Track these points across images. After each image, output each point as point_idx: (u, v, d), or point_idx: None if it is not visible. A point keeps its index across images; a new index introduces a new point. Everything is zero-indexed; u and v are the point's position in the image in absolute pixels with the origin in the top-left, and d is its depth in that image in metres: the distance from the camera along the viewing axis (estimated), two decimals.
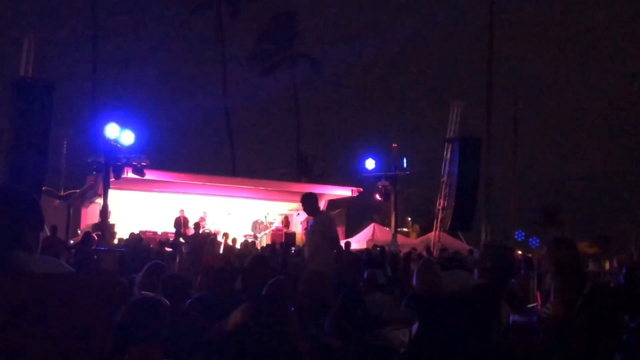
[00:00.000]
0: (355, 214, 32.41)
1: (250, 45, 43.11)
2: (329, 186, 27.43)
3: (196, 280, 10.12)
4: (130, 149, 17.56)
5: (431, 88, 58.10)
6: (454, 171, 22.89)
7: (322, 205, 25.86)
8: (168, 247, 17.75)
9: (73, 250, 15.19)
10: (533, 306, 6.60)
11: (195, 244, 16.51)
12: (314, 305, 7.20)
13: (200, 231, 18.83)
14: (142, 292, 4.71)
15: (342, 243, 20.82)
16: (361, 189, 25.60)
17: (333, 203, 26.98)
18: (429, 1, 59.09)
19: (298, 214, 26.86)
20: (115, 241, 18.61)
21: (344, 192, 25.82)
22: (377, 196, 24.88)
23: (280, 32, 41.83)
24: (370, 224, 29.40)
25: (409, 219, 41.36)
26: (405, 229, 36.98)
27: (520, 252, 25.81)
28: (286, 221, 25.81)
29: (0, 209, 2.36)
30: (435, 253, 21.19)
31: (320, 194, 25.73)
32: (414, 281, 4.55)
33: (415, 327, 4.38)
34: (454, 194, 22.85)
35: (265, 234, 24.30)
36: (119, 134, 17.04)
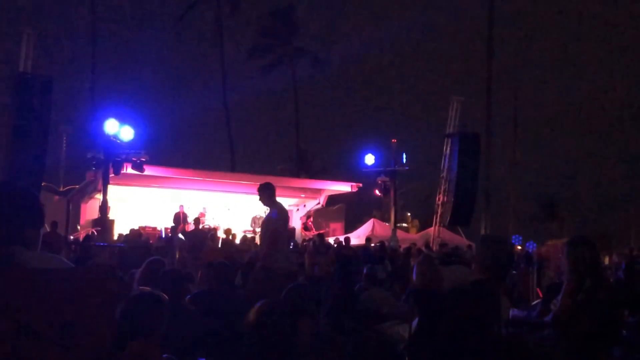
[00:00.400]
0: (354, 210, 32.46)
1: (249, 40, 43.08)
2: (329, 182, 27.40)
3: (197, 276, 10.12)
4: (130, 144, 17.55)
5: (431, 83, 58.07)
6: (453, 166, 22.90)
7: (322, 200, 25.88)
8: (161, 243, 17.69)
9: (73, 246, 15.20)
10: (537, 303, 6.60)
11: (195, 240, 16.49)
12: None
13: (200, 227, 18.82)
14: (141, 287, 4.72)
15: (342, 238, 20.95)
16: (361, 185, 25.58)
17: (333, 198, 26.96)
18: None
19: (298, 209, 26.86)
20: (115, 237, 18.60)
21: (344, 187, 25.81)
22: (377, 192, 24.89)
23: (280, 28, 41.75)
24: (369, 219, 29.39)
25: (409, 214, 41.39)
26: (404, 224, 36.99)
27: (519, 247, 25.80)
28: None
29: (0, 206, 2.36)
30: (434, 248, 21.19)
31: (320, 190, 25.78)
32: (414, 276, 4.56)
33: (415, 322, 4.39)
34: (453, 189, 22.86)
35: None
36: (119, 129, 17.02)
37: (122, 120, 17.20)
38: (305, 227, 24.13)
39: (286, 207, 27.10)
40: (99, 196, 18.76)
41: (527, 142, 48.53)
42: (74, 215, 21.97)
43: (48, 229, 14.24)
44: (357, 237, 24.59)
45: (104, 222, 17.91)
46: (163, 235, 19.42)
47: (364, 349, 5.19)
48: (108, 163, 17.28)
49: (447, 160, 23.58)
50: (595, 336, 4.35)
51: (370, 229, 27.13)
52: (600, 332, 4.37)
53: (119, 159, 17.44)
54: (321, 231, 23.56)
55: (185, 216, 22.11)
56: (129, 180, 20.10)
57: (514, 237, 20.88)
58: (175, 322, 4.47)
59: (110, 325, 2.11)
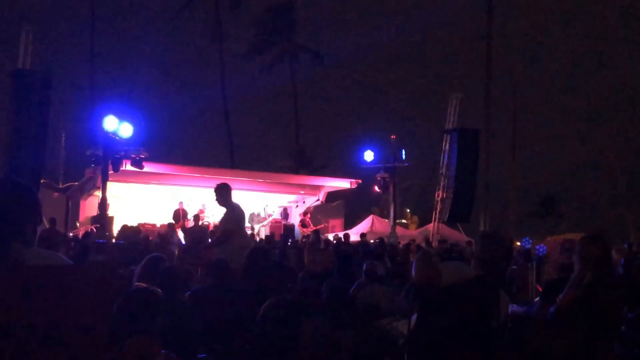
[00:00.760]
0: (354, 206, 32.48)
1: (248, 36, 43.02)
2: (328, 178, 27.43)
3: (197, 272, 10.12)
4: (129, 141, 17.54)
5: (430, 79, 58.07)
6: (453, 163, 22.90)
7: (321, 197, 25.89)
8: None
9: (72, 243, 15.19)
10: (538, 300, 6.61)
11: (195, 236, 16.51)
12: None
13: (200, 223, 18.84)
14: (136, 283, 4.73)
15: (341, 235, 20.96)
16: (360, 181, 25.60)
17: (332, 195, 26.99)
18: None
19: (297, 206, 26.87)
20: (114, 233, 18.59)
21: (343, 184, 25.82)
22: (376, 188, 24.89)
23: (279, 24, 41.69)
24: (369, 215, 29.42)
25: (408, 210, 41.41)
26: (404, 221, 37.01)
27: (518, 243, 25.84)
28: (285, 213, 25.81)
29: (1, 202, 2.35)
30: (434, 244, 21.20)
31: (319, 186, 25.79)
32: (413, 272, 4.55)
33: (414, 318, 4.39)
34: (452, 186, 22.86)
35: (263, 225, 24.30)
36: (118, 126, 17.00)
37: (121, 117, 17.18)
38: (303, 224, 24.14)
39: (285, 203, 27.06)
40: (98, 193, 18.74)
41: (526, 138, 48.54)
42: (73, 212, 21.97)
43: (47, 226, 14.24)
44: (356, 234, 24.61)
45: (103, 219, 17.90)
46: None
47: (363, 345, 5.20)
48: (107, 160, 17.27)
49: (446, 156, 23.58)
50: (594, 332, 4.36)
51: (369, 225, 27.16)
52: (600, 327, 4.37)
53: (118, 156, 17.43)
54: (317, 227, 23.57)
55: (184, 213, 22.12)
56: (128, 177, 20.10)
57: (523, 240, 20.88)
58: (174, 318, 4.48)
59: (107, 322, 2.11)
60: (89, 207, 22.10)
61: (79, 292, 2.05)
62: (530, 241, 19.92)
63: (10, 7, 41.37)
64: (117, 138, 17.06)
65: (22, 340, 1.93)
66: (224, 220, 8.63)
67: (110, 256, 12.52)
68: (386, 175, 23.99)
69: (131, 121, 17.37)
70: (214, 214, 23.20)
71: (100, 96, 32.38)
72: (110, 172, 17.61)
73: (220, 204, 8.89)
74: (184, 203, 22.28)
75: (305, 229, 23.34)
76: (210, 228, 18.79)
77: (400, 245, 19.09)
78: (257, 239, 20.04)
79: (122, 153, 17.58)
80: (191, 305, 5.43)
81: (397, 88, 62.43)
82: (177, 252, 15.45)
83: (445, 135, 23.90)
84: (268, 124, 54.15)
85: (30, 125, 15.60)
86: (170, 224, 20.09)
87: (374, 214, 30.10)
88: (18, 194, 2.41)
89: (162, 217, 22.36)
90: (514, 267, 14.13)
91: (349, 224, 28.45)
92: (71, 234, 18.20)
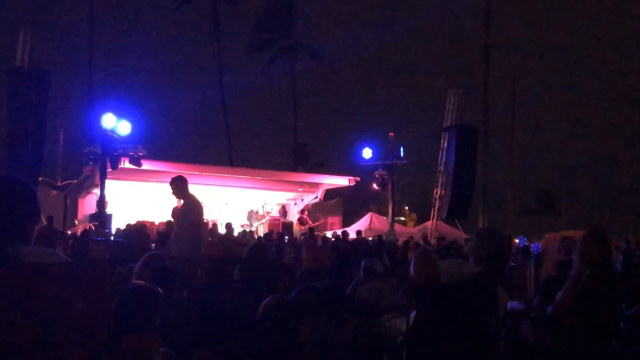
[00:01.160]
0: (352, 204, 32.48)
1: (247, 33, 42.96)
2: (326, 175, 27.43)
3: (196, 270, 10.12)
4: (127, 139, 17.53)
5: (428, 77, 58.06)
6: (451, 160, 22.92)
7: (320, 194, 25.88)
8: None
9: (70, 241, 15.18)
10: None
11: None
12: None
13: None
14: (135, 280, 4.73)
15: (340, 232, 20.97)
16: (358, 178, 25.61)
17: (330, 192, 26.99)
18: None
19: (295, 203, 26.87)
20: (113, 231, 18.59)
21: (341, 181, 25.82)
22: (375, 185, 24.90)
23: (278, 22, 41.61)
24: (367, 213, 29.43)
25: (406, 207, 41.43)
26: (402, 218, 37.04)
27: (516, 240, 25.86)
28: (283, 210, 25.81)
29: (1, 200, 2.35)
30: (432, 242, 21.22)
31: (318, 184, 25.78)
32: (411, 270, 4.56)
33: (412, 315, 4.39)
34: (450, 183, 22.89)
35: (261, 223, 24.30)
36: (116, 124, 16.99)
37: (120, 114, 17.17)
38: (301, 222, 24.15)
39: (284, 201, 27.04)
40: (97, 191, 18.73)
41: (524, 136, 48.56)
42: (71, 210, 21.95)
43: (45, 223, 14.23)
44: (354, 231, 24.63)
45: (101, 217, 17.89)
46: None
47: (362, 343, 5.20)
48: (105, 158, 17.26)
49: (444, 153, 23.59)
50: (593, 329, 4.36)
51: (368, 222, 27.16)
52: (599, 325, 4.38)
53: (116, 154, 17.41)
54: (315, 224, 23.60)
55: None
56: (126, 174, 20.08)
57: (519, 238, 20.91)
58: (173, 316, 4.48)
59: (106, 320, 2.11)
60: (87, 204, 22.09)
61: (77, 290, 2.05)
62: (525, 239, 19.96)
63: (8, 6, 41.31)
64: (115, 136, 17.05)
65: (22, 337, 1.93)
66: (183, 212, 8.41)
67: (109, 254, 12.54)
68: (384, 172, 24.00)
69: (129, 119, 17.36)
70: (212, 212, 23.21)
71: (98, 94, 32.32)
72: (109, 169, 17.60)
73: (177, 197, 8.74)
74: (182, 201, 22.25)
75: (303, 227, 23.34)
76: (210, 227, 18.80)
77: (399, 243, 19.11)
78: (256, 237, 20.03)
79: (121, 151, 17.57)
80: (189, 303, 5.43)
81: (396, 86, 62.44)
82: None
83: (443, 132, 23.90)
84: (266, 121, 54.17)
85: (28, 123, 15.60)
86: (169, 222, 20.04)
87: (372, 211, 30.10)
88: (16, 192, 2.41)
89: (160, 215, 22.35)
90: (513, 264, 14.16)
91: (348, 221, 28.46)
92: (69, 232, 18.18)
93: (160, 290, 3.64)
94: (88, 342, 2.02)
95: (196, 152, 41.33)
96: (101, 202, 17.88)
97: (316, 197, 26.22)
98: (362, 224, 27.28)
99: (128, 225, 17.66)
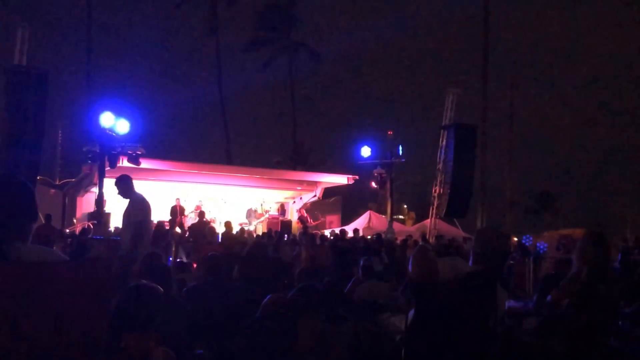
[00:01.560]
0: (351, 202, 32.45)
1: (246, 33, 42.95)
2: (325, 174, 27.40)
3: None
4: (126, 137, 17.49)
5: (427, 75, 58.06)
6: (450, 158, 22.90)
7: (318, 193, 25.88)
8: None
9: (69, 240, 15.18)
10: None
11: (197, 232, 16.59)
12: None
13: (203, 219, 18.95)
14: (137, 279, 4.72)
15: (338, 231, 20.96)
16: (357, 177, 25.59)
17: (329, 191, 26.98)
18: None
19: (294, 201, 26.86)
20: (111, 230, 18.58)
21: (340, 179, 25.81)
22: (373, 184, 24.88)
23: (277, 20, 41.60)
24: (366, 211, 29.43)
25: (405, 206, 41.43)
26: (401, 216, 37.04)
27: (515, 239, 25.88)
28: (282, 209, 25.82)
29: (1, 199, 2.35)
30: (431, 240, 21.22)
31: (316, 182, 25.78)
32: (410, 268, 4.55)
33: (411, 313, 4.39)
34: (449, 181, 22.87)
35: (260, 221, 24.30)
36: (114, 122, 16.96)
37: (118, 113, 17.14)
38: (301, 220, 24.15)
39: (282, 199, 27.00)
40: (95, 189, 18.70)
41: (523, 134, 48.56)
42: (70, 209, 21.95)
43: (43, 221, 14.22)
44: (353, 229, 24.65)
45: (100, 216, 17.88)
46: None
47: (361, 341, 5.20)
48: (104, 156, 17.22)
49: (443, 152, 23.58)
50: (592, 327, 4.36)
51: (366, 221, 27.16)
52: (597, 322, 4.38)
53: (114, 152, 17.38)
54: (315, 222, 23.60)
55: (182, 209, 22.12)
56: (125, 173, 20.07)
57: (524, 237, 20.92)
58: (172, 315, 4.48)
59: (105, 318, 2.11)
60: (86, 203, 22.09)
61: (75, 288, 2.05)
62: (531, 238, 19.97)
63: (6, 4, 41.25)
64: (113, 134, 17.02)
65: (20, 336, 1.92)
66: (128, 212, 8.26)
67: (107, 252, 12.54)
68: (383, 171, 23.98)
69: (128, 117, 17.33)
70: (211, 211, 23.23)
71: (96, 92, 32.29)
72: (107, 168, 17.58)
73: (123, 197, 8.60)
74: (180, 199, 22.26)
75: (303, 225, 23.36)
76: (209, 225, 18.85)
77: (398, 241, 19.11)
78: (255, 235, 20.05)
79: (119, 149, 17.53)
80: (187, 301, 5.43)
81: (395, 84, 62.42)
82: (174, 248, 15.49)
83: (442, 130, 23.90)
84: (265, 120, 54.16)
85: (27, 122, 15.57)
86: (171, 220, 20.19)
87: (371, 209, 30.10)
88: (14, 190, 2.41)
89: (159, 214, 22.35)
90: (512, 262, 14.17)
91: (346, 219, 28.45)
92: (68, 231, 18.18)
93: (162, 289, 3.63)
94: (86, 341, 2.01)
95: (195, 151, 41.34)
96: (99, 201, 17.86)
97: (315, 196, 26.22)
98: (360, 222, 27.28)
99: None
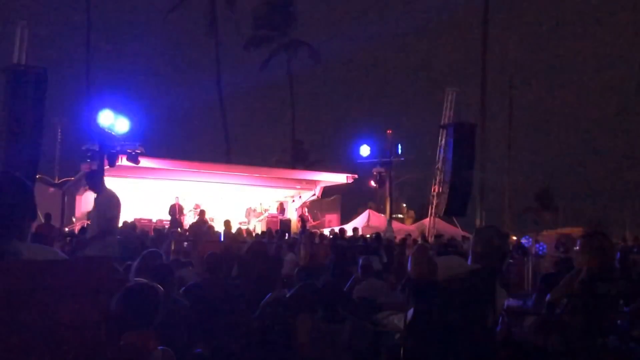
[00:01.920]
0: (350, 201, 32.45)
1: (245, 31, 42.89)
2: (324, 173, 27.42)
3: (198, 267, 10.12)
4: (125, 136, 17.50)
5: (426, 74, 58.06)
6: (449, 157, 22.89)
7: (318, 191, 25.88)
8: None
9: (68, 238, 15.16)
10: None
11: (197, 231, 16.60)
12: None
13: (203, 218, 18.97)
14: (136, 278, 4.71)
15: (337, 230, 20.96)
16: (356, 176, 25.60)
17: (328, 190, 26.99)
18: None
19: (293, 200, 26.86)
20: None
21: (339, 178, 25.82)
22: (372, 182, 24.89)
23: (276, 19, 41.55)
24: (365, 210, 29.43)
25: (404, 205, 41.39)
26: (400, 215, 36.99)
27: (514, 238, 25.88)
28: (281, 208, 25.82)
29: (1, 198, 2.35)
30: (430, 239, 21.22)
31: (316, 181, 25.79)
32: (409, 267, 4.55)
33: (410, 312, 4.39)
34: (448, 180, 22.86)
35: (259, 220, 24.30)
36: (114, 121, 16.96)
37: (117, 111, 17.14)
38: (302, 219, 24.16)
39: (282, 198, 27.00)
40: None
41: (522, 133, 48.57)
42: (69, 208, 21.94)
43: (42, 220, 14.20)
44: (352, 228, 24.65)
45: None
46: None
47: (360, 340, 5.20)
48: (103, 155, 17.22)
49: (442, 150, 23.58)
50: (591, 326, 4.37)
51: (365, 219, 27.16)
52: (597, 321, 4.38)
53: (114, 151, 17.38)
54: (315, 222, 23.60)
55: (181, 208, 22.12)
56: (124, 172, 20.08)
57: (524, 237, 20.93)
58: (170, 314, 4.48)
59: (104, 317, 2.10)
60: (85, 202, 22.06)
61: (75, 287, 2.05)
62: (531, 239, 19.98)
63: (5, 2, 41.20)
64: (113, 133, 17.02)
65: (20, 334, 1.92)
66: (99, 207, 8.15)
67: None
68: (382, 169, 23.98)
69: (127, 116, 17.34)
70: (210, 210, 23.23)
71: (96, 91, 32.27)
72: (106, 167, 17.57)
73: (94, 192, 8.47)
74: (179, 198, 22.26)
75: (302, 224, 23.37)
76: (208, 224, 18.86)
77: (397, 240, 19.11)
78: (254, 234, 20.04)
79: (118, 148, 17.54)
80: (186, 300, 5.42)
81: (394, 82, 62.41)
82: (173, 247, 15.48)
83: (441, 129, 23.89)
84: (264, 119, 54.15)
85: (26, 120, 15.54)
86: (171, 219, 20.23)
87: (370, 208, 30.10)
88: (13, 189, 2.41)
89: (158, 212, 22.36)
90: (511, 261, 14.17)
91: (345, 218, 28.46)
92: (67, 229, 18.16)
93: (162, 288, 3.63)
94: (85, 339, 2.01)
95: (194, 149, 41.28)
96: None
97: (314, 195, 26.23)
98: (360, 221, 27.28)
99: (125, 223, 17.64)
